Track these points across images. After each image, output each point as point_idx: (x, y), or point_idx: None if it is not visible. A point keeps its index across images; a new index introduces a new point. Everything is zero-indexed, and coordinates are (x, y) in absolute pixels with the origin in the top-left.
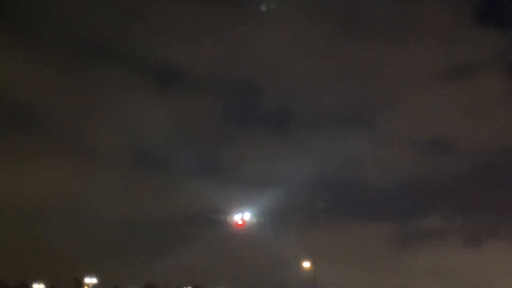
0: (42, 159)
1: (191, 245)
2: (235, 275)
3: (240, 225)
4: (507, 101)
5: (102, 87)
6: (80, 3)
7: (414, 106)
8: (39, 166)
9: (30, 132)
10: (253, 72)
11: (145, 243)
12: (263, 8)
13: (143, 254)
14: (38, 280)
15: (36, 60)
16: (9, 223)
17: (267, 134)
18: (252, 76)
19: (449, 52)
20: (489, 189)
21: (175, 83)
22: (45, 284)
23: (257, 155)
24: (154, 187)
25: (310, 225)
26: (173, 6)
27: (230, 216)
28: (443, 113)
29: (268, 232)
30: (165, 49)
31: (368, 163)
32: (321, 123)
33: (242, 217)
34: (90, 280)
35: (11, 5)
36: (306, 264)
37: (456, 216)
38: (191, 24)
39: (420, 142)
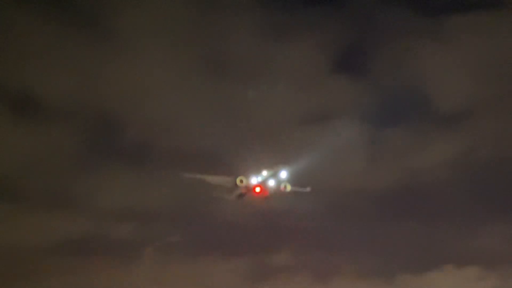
0: None
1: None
2: None
3: None
4: (360, 145)
5: None
6: None
7: (272, 148)
8: None
9: None
10: (113, 106)
11: None
12: None
13: None
14: None
15: None
16: None
17: (125, 167)
18: (112, 110)
19: (308, 97)
20: (338, 228)
21: (32, 112)
22: None
23: (113, 188)
24: (3, 216)
25: (163, 258)
26: (31, 32)
27: None
28: None
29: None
30: (22, 76)
31: (223, 200)
32: (178, 158)
33: None
34: None
35: None
36: None
37: (307, 253)
38: (50, 53)
39: None
